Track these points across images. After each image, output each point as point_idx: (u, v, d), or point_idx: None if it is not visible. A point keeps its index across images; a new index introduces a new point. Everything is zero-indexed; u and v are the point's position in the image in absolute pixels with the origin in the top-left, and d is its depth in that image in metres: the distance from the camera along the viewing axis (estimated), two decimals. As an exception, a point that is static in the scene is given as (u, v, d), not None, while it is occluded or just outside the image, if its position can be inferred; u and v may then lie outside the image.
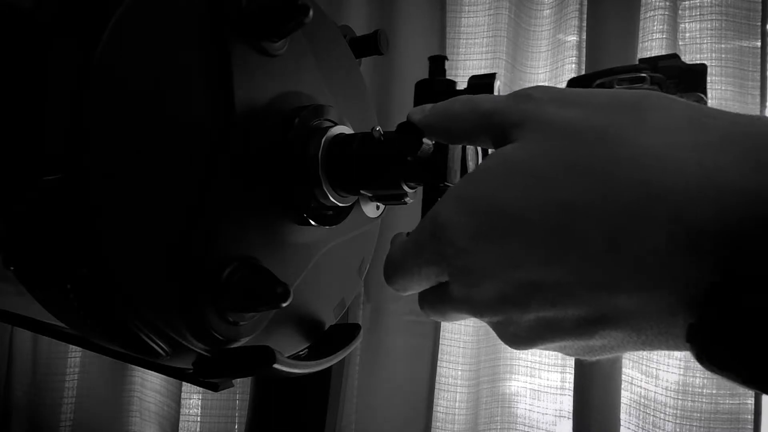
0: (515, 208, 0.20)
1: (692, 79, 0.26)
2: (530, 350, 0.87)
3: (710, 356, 0.17)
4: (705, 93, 0.26)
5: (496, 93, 0.29)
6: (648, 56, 0.27)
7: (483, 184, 0.21)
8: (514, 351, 0.89)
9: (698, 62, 0.30)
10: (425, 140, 0.27)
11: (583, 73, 0.83)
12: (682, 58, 0.87)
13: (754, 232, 0.16)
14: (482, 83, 0.29)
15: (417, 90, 0.31)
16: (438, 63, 0.32)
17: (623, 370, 0.80)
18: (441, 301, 0.25)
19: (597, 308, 0.19)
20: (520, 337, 0.22)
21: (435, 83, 0.31)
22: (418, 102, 0.31)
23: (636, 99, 0.20)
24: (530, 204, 0.20)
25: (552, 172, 0.20)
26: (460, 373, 0.88)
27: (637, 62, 0.27)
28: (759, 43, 0.77)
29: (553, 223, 0.19)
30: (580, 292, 0.19)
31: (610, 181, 0.18)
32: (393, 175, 0.31)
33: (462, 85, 0.31)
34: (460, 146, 0.30)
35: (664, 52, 0.79)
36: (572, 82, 0.28)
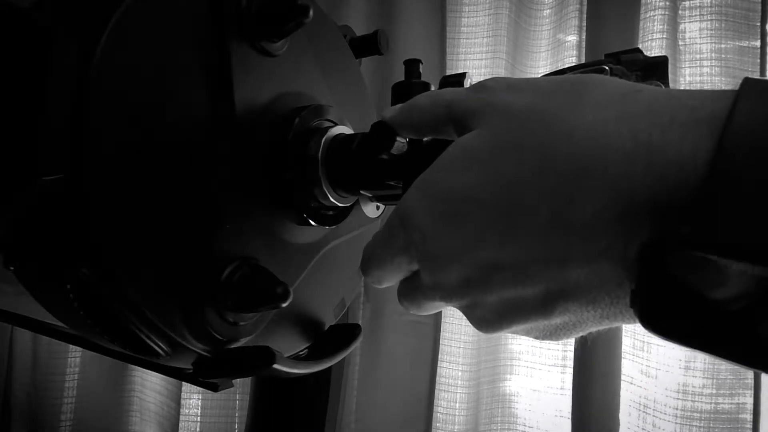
0: (470, 191, 0.21)
1: (654, 70, 0.26)
2: (531, 350, 0.87)
3: (648, 319, 0.17)
4: (666, 83, 0.26)
5: None
6: (612, 51, 0.27)
7: (442, 172, 0.22)
8: (515, 351, 0.89)
9: (660, 55, 0.30)
10: (399, 138, 0.28)
11: (583, 73, 0.83)
12: (682, 58, 0.86)
13: (681, 197, 0.17)
14: (453, 82, 0.29)
15: (394, 92, 0.32)
16: (413, 66, 0.33)
17: (623, 369, 0.80)
18: (414, 290, 0.26)
19: (552, 283, 0.20)
20: (487, 320, 0.23)
21: (411, 85, 0.32)
22: (395, 103, 0.31)
23: (575, 81, 0.21)
24: (482, 185, 0.21)
25: (498, 152, 0.21)
26: (460, 373, 0.88)
27: (603, 57, 0.27)
28: (758, 43, 0.77)
29: (503, 202, 0.20)
30: (534, 269, 0.20)
31: (548, 156, 0.19)
32: (373, 173, 0.31)
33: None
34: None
35: (663, 53, 0.79)
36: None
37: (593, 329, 0.22)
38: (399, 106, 0.27)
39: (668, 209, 0.17)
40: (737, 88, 0.17)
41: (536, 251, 0.20)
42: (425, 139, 0.29)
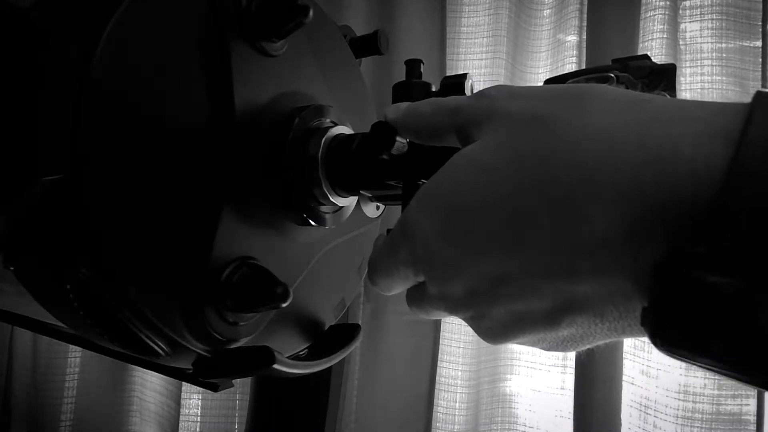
0: (473, 203, 0.21)
1: (661, 78, 0.26)
2: (531, 350, 0.87)
3: (661, 337, 0.17)
4: (673, 91, 0.26)
5: (467, 92, 0.29)
6: (620, 57, 0.27)
7: (444, 184, 0.22)
8: (515, 351, 0.89)
9: (668, 62, 0.30)
10: (399, 138, 0.28)
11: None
12: (682, 57, 0.86)
13: (694, 211, 0.16)
14: (453, 83, 0.29)
15: (394, 91, 0.32)
16: (414, 66, 0.33)
17: (624, 370, 0.80)
18: (422, 299, 0.25)
19: (559, 296, 0.20)
20: (494, 332, 0.23)
21: (411, 85, 0.32)
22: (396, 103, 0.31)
23: (578, 89, 0.21)
24: (485, 197, 0.20)
25: (502, 163, 0.20)
26: (460, 373, 0.88)
27: (610, 62, 0.27)
28: (760, 43, 0.77)
29: (507, 213, 0.20)
30: (541, 281, 0.20)
31: (552, 165, 0.19)
32: (373, 173, 0.31)
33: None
34: None
35: (664, 52, 0.79)
36: (548, 82, 0.28)
37: (601, 342, 0.22)
38: (403, 107, 0.27)
39: (681, 223, 0.16)
40: (750, 99, 0.17)
41: (542, 263, 0.19)
42: None
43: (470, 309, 0.23)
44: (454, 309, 0.23)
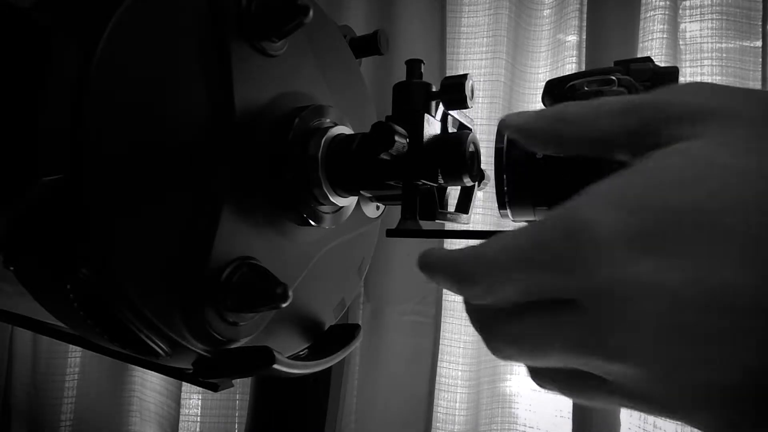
0: (705, 209, 0.15)
1: (663, 81, 0.26)
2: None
3: None
4: None
5: (467, 93, 0.29)
6: (622, 59, 0.27)
7: (653, 179, 0.17)
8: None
9: (670, 65, 0.29)
10: (398, 139, 0.28)
11: (583, 73, 0.83)
12: (683, 57, 0.86)
13: None
14: (454, 83, 0.29)
15: (394, 91, 0.32)
16: (414, 66, 0.33)
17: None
18: (551, 338, 0.18)
19: None
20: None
21: (411, 85, 0.32)
22: (396, 104, 0.31)
23: None
24: (726, 205, 0.15)
25: (742, 165, 0.16)
26: (460, 373, 0.88)
27: (612, 65, 0.27)
28: (760, 43, 0.77)
29: (755, 227, 0.15)
30: None
31: None
32: (373, 173, 0.31)
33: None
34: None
35: (664, 52, 0.79)
36: (549, 84, 0.28)
37: None
38: (531, 113, 0.21)
39: None
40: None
41: None
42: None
43: (665, 359, 0.16)
44: (629, 357, 0.16)
